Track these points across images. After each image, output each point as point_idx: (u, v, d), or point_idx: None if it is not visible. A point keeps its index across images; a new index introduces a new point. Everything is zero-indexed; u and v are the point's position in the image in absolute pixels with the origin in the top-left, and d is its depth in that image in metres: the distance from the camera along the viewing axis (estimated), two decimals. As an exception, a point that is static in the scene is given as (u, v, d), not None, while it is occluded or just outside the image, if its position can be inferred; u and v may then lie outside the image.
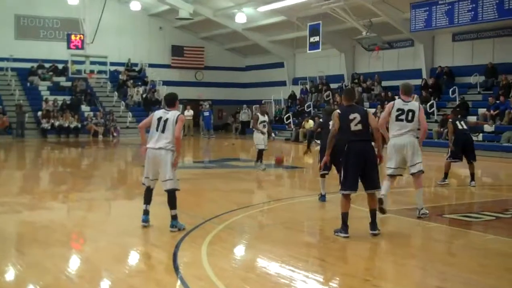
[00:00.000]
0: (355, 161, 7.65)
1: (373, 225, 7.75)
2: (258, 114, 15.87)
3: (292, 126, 30.79)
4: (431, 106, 25.32)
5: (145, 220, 8.26)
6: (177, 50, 38.74)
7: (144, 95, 35.40)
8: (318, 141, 14.96)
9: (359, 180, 7.77)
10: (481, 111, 23.23)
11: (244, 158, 21.81)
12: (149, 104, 34.76)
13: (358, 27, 27.10)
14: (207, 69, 39.60)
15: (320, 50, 29.51)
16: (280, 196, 11.48)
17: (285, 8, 29.80)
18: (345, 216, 7.71)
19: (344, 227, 7.68)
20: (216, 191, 12.38)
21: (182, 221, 8.19)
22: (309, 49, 29.98)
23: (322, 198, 10.43)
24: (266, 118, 15.87)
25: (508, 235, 8.00)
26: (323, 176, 10.31)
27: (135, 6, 35.09)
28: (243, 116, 35.67)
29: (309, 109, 31.94)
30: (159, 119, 8.11)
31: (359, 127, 7.70)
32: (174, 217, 8.12)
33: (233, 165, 18.60)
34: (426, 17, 24.63)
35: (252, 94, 39.23)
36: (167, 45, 38.44)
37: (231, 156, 21.87)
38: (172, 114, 8.07)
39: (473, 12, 22.77)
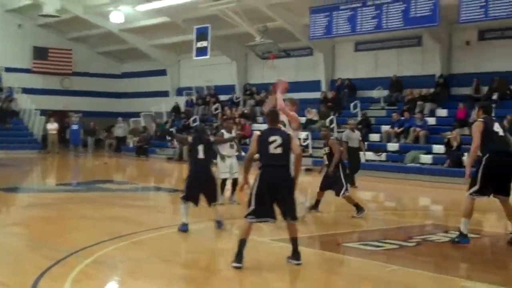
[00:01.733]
0: (266, 187, 7.83)
1: (296, 254, 7.90)
2: (223, 131, 14.29)
3: (176, 143, 30.62)
4: (331, 121, 25.97)
5: None
6: (40, 52, 37.69)
7: (-2, 105, 34.13)
8: None
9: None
10: (385, 128, 24.16)
11: (118, 180, 21.45)
12: (4, 115, 33.57)
13: (251, 32, 27.47)
14: (75, 75, 38.73)
15: (208, 56, 29.68)
16: (159, 224, 11.35)
17: (169, 8, 29.77)
18: (242, 244, 7.74)
19: (239, 256, 7.69)
20: (83, 218, 12.06)
21: (41, 256, 7.87)
22: (196, 56, 30.08)
23: (184, 227, 10.40)
24: (234, 134, 14.77)
25: (413, 266, 8.29)
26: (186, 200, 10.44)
27: (-11, -1, 33.89)
28: (119, 130, 35.17)
29: (195, 124, 31.91)
30: None
31: (279, 150, 7.91)
32: None
33: (105, 187, 18.20)
34: (326, 24, 25.37)
35: (130, 105, 38.82)
36: (27, 46, 37.28)
37: (102, 178, 21.43)
38: None
39: (377, 20, 23.74)
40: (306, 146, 25.43)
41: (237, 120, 29.14)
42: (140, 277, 7.52)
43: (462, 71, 24.93)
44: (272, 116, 8.45)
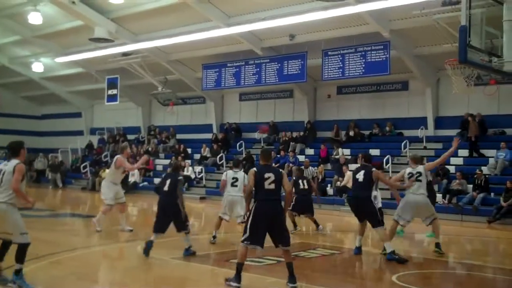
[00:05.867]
0: (263, 219, 7.52)
1: (292, 277, 7.56)
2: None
3: (89, 175, 29.77)
4: (221, 158, 26.12)
5: None
6: (-34, 95, 35.74)
7: None
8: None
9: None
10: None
11: (37, 208, 20.51)
12: None
13: (154, 82, 27.40)
14: (1, 116, 36.93)
15: (117, 102, 29.25)
16: (74, 246, 10.95)
17: (84, 61, 29.21)
18: (240, 266, 7.53)
19: (237, 277, 7.48)
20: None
21: None
22: (107, 101, 29.59)
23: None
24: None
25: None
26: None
27: None
28: (39, 164, 33.86)
29: (106, 159, 31.21)
30: None
31: (272, 186, 7.61)
32: (17, 271, 7.16)
33: (26, 214, 17.29)
34: (216, 78, 25.65)
35: (49, 142, 37.29)
36: (-46, 91, 35.26)
37: (23, 206, 20.40)
38: (10, 165, 7.25)
39: (257, 76, 24.24)
40: (201, 178, 25.41)
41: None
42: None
43: (325, 118, 25.73)
44: (265, 155, 8.10)
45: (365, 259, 10.40)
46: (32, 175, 34.38)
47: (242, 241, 7.61)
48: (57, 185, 30.50)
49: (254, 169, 7.85)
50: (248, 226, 7.58)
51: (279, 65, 23.51)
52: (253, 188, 7.66)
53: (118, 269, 9.31)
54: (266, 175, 7.63)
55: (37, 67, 31.84)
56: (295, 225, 13.18)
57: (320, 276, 8.97)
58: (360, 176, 10.05)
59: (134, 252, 10.27)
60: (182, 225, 9.75)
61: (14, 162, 7.29)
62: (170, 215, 9.67)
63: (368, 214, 10.11)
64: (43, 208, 20.10)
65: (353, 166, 20.87)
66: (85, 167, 30.76)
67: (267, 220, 7.54)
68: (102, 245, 11.42)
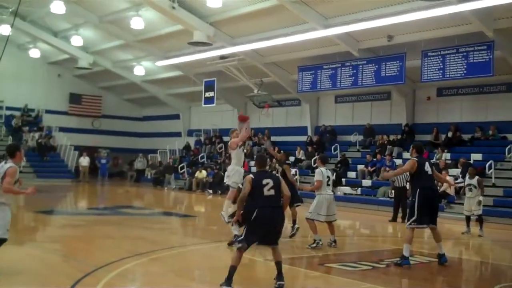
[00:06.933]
0: (262, 225, 7.42)
1: (280, 276, 7.50)
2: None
3: (186, 176, 30.66)
4: (315, 161, 26.03)
5: None
6: (75, 98, 37.84)
7: (39, 141, 34.12)
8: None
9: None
10: (360, 167, 24.20)
11: (137, 206, 21.40)
12: (43, 150, 33.57)
13: (250, 85, 27.70)
14: (104, 117, 38.92)
15: (214, 104, 29.84)
16: (172, 244, 11.33)
17: (182, 64, 30.07)
18: (233, 270, 7.39)
19: (229, 281, 7.32)
20: (108, 238, 12.03)
21: (73, 269, 7.81)
22: (204, 103, 30.24)
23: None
24: None
25: (383, 284, 8.28)
26: None
27: (35, 53, 34.14)
28: (139, 164, 35.29)
29: (202, 160, 32.03)
30: None
31: (272, 192, 7.53)
32: None
33: (126, 212, 18.16)
34: (312, 80, 25.61)
35: (148, 143, 38.83)
36: (65, 93, 37.42)
37: (124, 203, 21.36)
38: (3, 168, 7.60)
39: (353, 78, 23.97)
40: (296, 181, 25.38)
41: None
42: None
43: (424, 121, 25.02)
44: (260, 161, 8.03)
45: (464, 267, 10.06)
46: (132, 174, 35.94)
47: (238, 243, 7.59)
48: (171, 185, 30.78)
49: (251, 175, 7.73)
50: (245, 231, 7.48)
51: (377, 66, 23.14)
52: (247, 196, 7.53)
53: (214, 268, 9.50)
54: (264, 181, 7.55)
55: (139, 70, 33.21)
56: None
57: (416, 284, 8.78)
58: (428, 168, 9.70)
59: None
60: None
61: (7, 165, 7.61)
62: None
63: (437, 209, 9.90)
64: (142, 207, 20.96)
65: (453, 171, 20.30)
66: (182, 167, 31.67)
67: (266, 226, 7.43)
68: (199, 244, 11.72)
